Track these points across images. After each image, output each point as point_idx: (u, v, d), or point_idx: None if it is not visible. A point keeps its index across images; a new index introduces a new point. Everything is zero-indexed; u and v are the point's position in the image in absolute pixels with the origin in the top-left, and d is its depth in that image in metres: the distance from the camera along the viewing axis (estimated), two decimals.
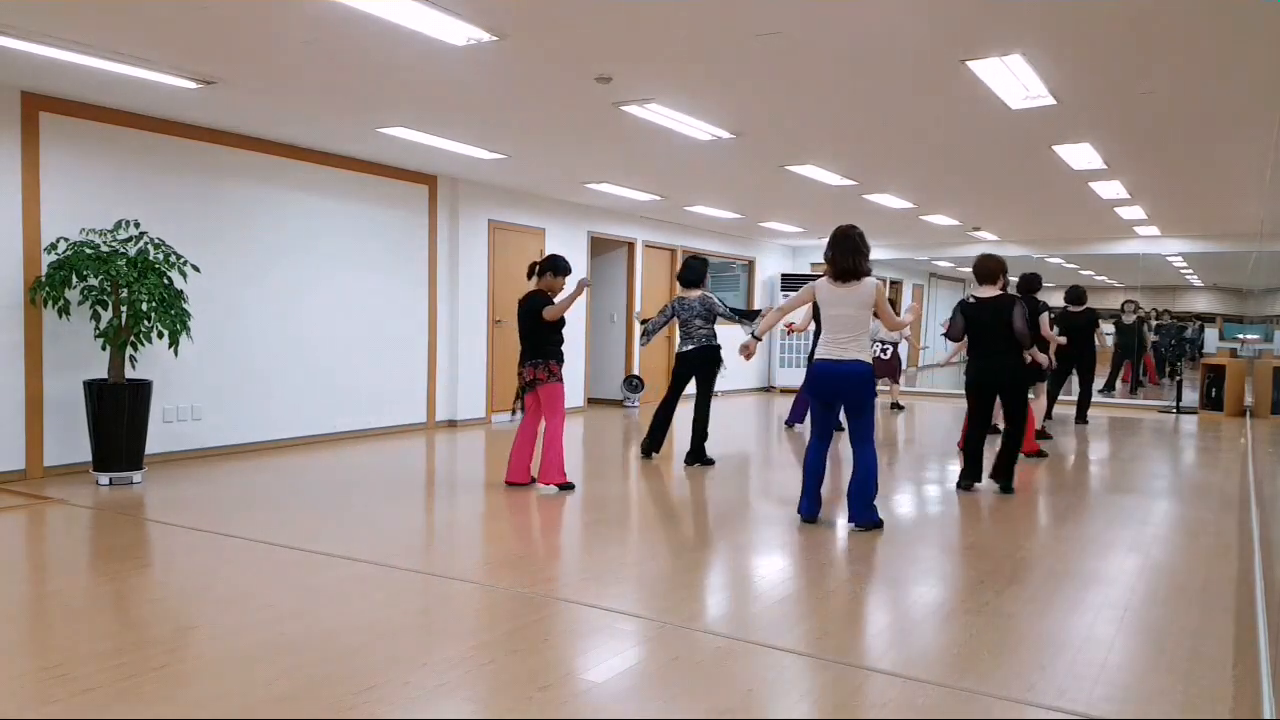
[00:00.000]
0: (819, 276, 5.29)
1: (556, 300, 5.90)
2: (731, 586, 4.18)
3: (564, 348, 6.01)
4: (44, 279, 5.68)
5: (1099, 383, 11.69)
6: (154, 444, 6.42)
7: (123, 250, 5.94)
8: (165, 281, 5.94)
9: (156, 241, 6.10)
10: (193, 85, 5.58)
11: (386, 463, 7.28)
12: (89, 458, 5.99)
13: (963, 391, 6.53)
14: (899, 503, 5.93)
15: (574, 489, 6.02)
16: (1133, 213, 10.71)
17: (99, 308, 5.83)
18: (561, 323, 5.91)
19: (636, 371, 12.10)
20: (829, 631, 3.49)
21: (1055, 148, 7.02)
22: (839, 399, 5.14)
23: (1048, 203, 10.01)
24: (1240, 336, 16.43)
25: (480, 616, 3.64)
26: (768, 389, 14.74)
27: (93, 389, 5.82)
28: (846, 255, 5.02)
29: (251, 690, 2.81)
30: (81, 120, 6.21)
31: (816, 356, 5.19)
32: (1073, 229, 12.75)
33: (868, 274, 5.05)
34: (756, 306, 13.74)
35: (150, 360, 6.30)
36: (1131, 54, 4.74)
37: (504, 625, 3.49)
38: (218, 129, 7.01)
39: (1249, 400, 12.10)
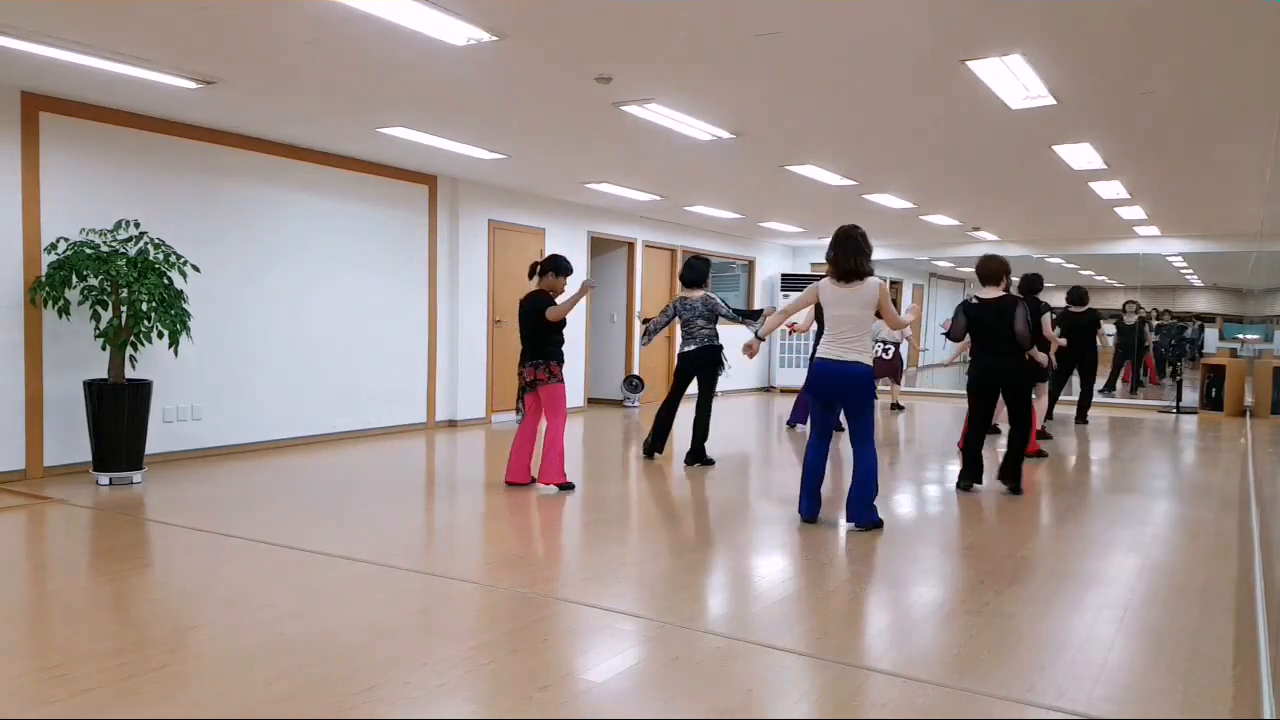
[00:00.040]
0: (819, 277, 5.29)
1: (559, 301, 5.89)
2: (731, 586, 4.18)
3: (564, 348, 6.01)
4: (44, 279, 5.68)
5: (1099, 383, 11.69)
6: (154, 444, 6.42)
7: (123, 250, 5.94)
8: (165, 281, 5.94)
9: (156, 241, 6.10)
10: (193, 85, 5.58)
11: (386, 463, 7.28)
12: (89, 458, 5.99)
13: (962, 391, 6.53)
14: (899, 503, 5.93)
15: (574, 489, 6.02)
16: (1133, 213, 10.71)
17: (99, 308, 5.83)
18: (563, 323, 5.91)
19: (636, 371, 12.10)
20: (829, 631, 3.49)
21: (1055, 148, 7.02)
22: (838, 400, 5.14)
23: (1048, 203, 10.01)
24: (1240, 336, 16.43)
25: (480, 616, 3.64)
26: (768, 389, 14.74)
27: (93, 389, 5.82)
28: (848, 255, 5.01)
29: (251, 690, 2.81)
30: (81, 120, 6.21)
31: (817, 356, 5.19)
32: (1073, 229, 12.75)
33: (870, 274, 5.05)
34: (757, 306, 13.74)
35: (150, 360, 6.30)
36: (1131, 54, 4.74)
37: (504, 625, 3.49)
38: (218, 129, 7.01)
39: (1249, 400, 12.10)
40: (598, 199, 10.47)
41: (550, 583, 4.07)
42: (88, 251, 5.77)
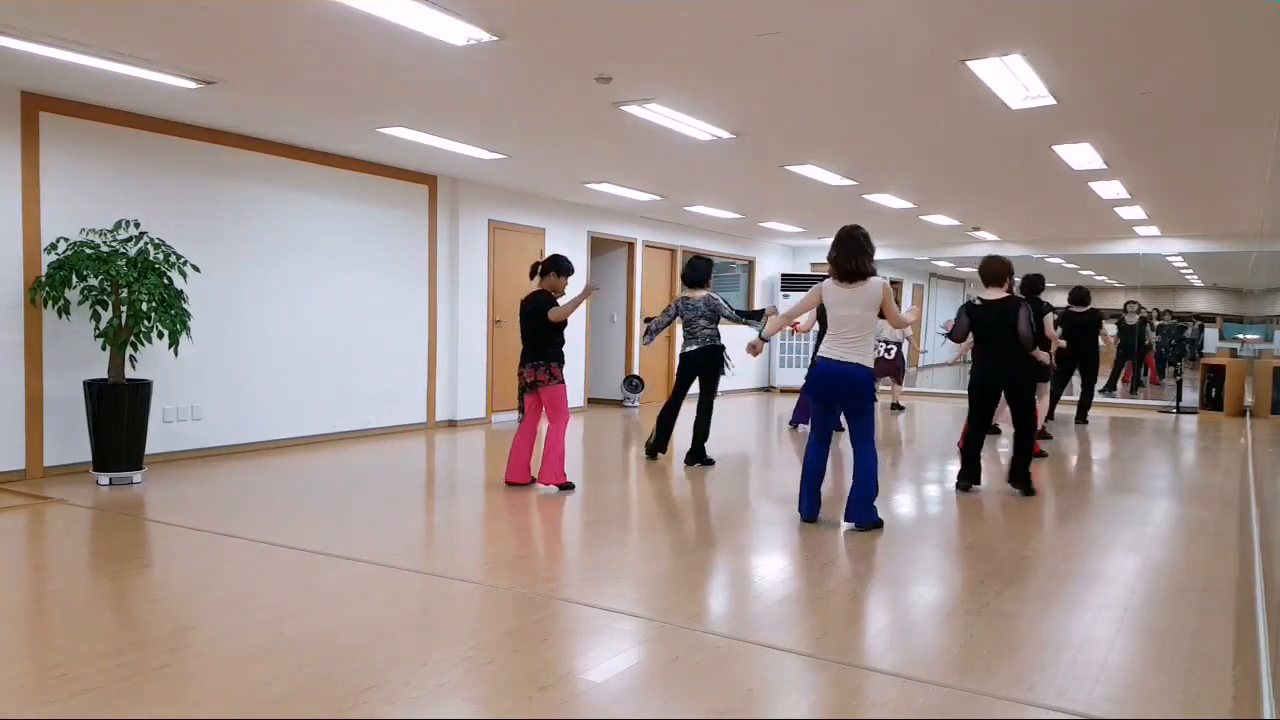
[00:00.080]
0: (820, 276, 5.30)
1: (562, 302, 5.89)
2: (731, 586, 4.18)
3: (565, 349, 6.01)
4: (44, 279, 5.68)
5: (1100, 383, 11.69)
6: (154, 444, 6.42)
7: (123, 250, 5.94)
8: (165, 281, 5.94)
9: (156, 241, 6.10)
10: (193, 85, 5.58)
11: (386, 463, 7.28)
12: (89, 458, 5.99)
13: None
14: (899, 503, 5.93)
15: (574, 489, 6.02)
16: (1133, 213, 10.71)
17: (99, 308, 5.83)
18: (564, 324, 5.90)
19: (636, 371, 12.10)
20: (829, 631, 3.49)
21: (1055, 148, 7.02)
22: (838, 400, 5.14)
23: (1048, 203, 10.01)
24: (1240, 336, 16.43)
25: (480, 616, 3.64)
26: (768, 389, 14.74)
27: (93, 389, 5.82)
28: (850, 256, 5.01)
29: (251, 690, 2.81)
30: (81, 120, 6.21)
31: (818, 356, 5.18)
32: (1073, 229, 12.75)
33: (873, 274, 5.04)
34: (758, 306, 13.74)
35: (150, 360, 6.30)
36: (1131, 54, 4.74)
37: (504, 625, 3.49)
38: (218, 129, 7.01)
39: (1249, 400, 12.10)
40: (598, 199, 10.47)
41: (550, 583, 4.07)
42: (88, 251, 5.77)
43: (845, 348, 4.99)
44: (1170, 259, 15.61)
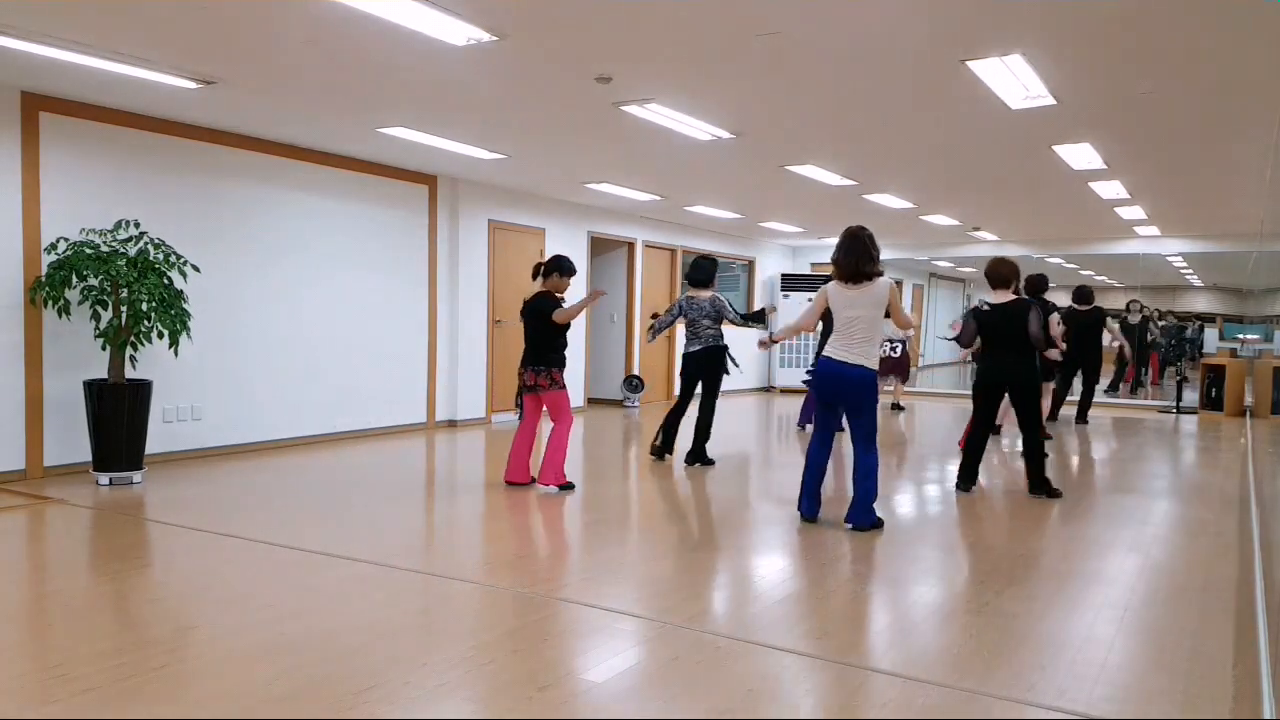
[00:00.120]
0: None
1: (566, 304, 5.88)
2: (731, 586, 4.18)
3: (567, 351, 5.99)
4: (44, 279, 5.68)
5: (1104, 383, 11.69)
6: (154, 444, 6.42)
7: (123, 250, 5.94)
8: (165, 281, 5.94)
9: (156, 241, 6.10)
10: (193, 85, 5.58)
11: (386, 463, 7.28)
12: (89, 458, 5.99)
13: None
14: (899, 503, 5.93)
15: (574, 489, 6.02)
16: (1133, 213, 10.71)
17: (99, 308, 5.83)
18: (567, 326, 5.89)
19: (636, 371, 12.10)
20: (829, 631, 3.48)
21: (1055, 148, 7.02)
22: (840, 400, 5.14)
23: (1048, 203, 10.01)
24: (1240, 336, 16.43)
25: (480, 616, 3.64)
26: (768, 389, 14.74)
27: (93, 389, 5.82)
28: (853, 258, 5.00)
29: (251, 690, 2.81)
30: (81, 120, 6.21)
31: (822, 355, 5.18)
32: (1073, 229, 12.75)
33: (880, 274, 5.04)
34: (757, 306, 13.74)
35: (150, 360, 6.30)
36: (1131, 54, 4.74)
37: (504, 625, 3.49)
38: (218, 129, 7.01)
39: (1249, 400, 12.10)
40: (598, 199, 10.47)
41: (550, 583, 4.07)
42: (88, 251, 5.77)
43: (851, 349, 4.98)
44: (1170, 259, 15.61)
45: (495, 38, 4.56)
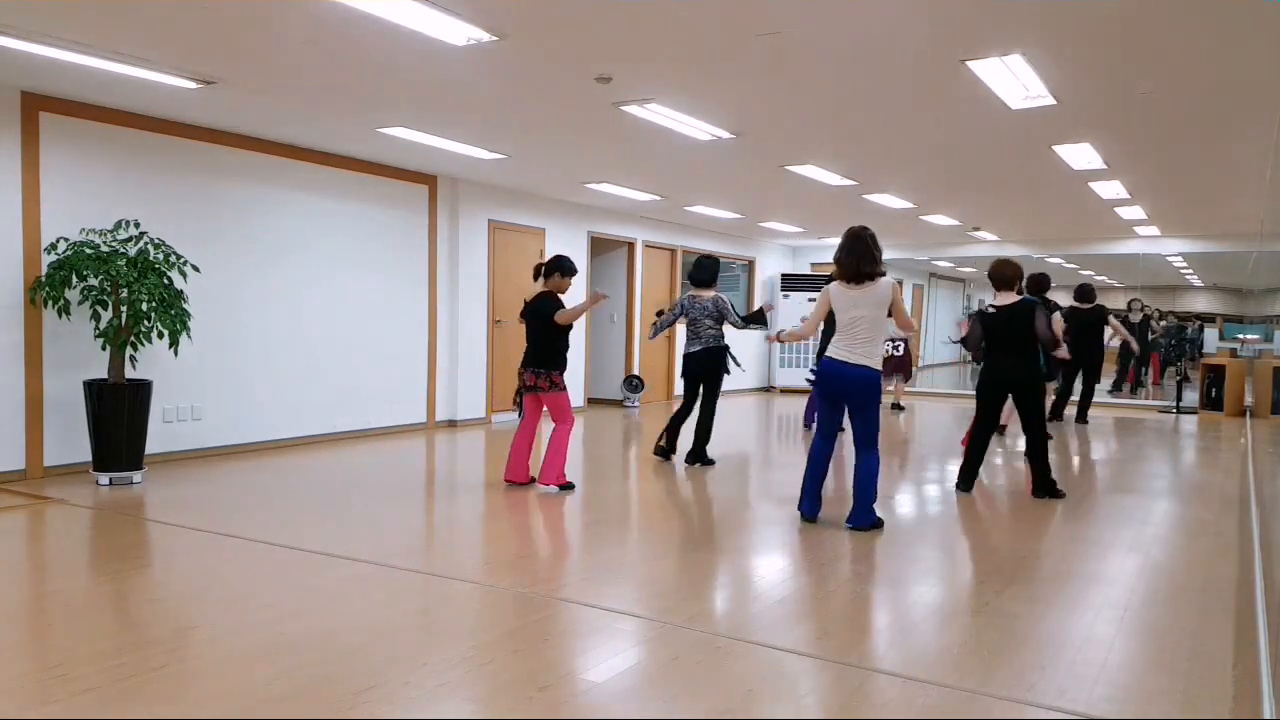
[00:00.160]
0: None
1: (568, 305, 5.88)
2: (732, 586, 4.18)
3: (568, 353, 5.98)
4: (44, 279, 5.68)
5: (1106, 383, 11.69)
6: (154, 444, 6.42)
7: (123, 250, 5.94)
8: (165, 281, 5.94)
9: (156, 241, 6.10)
10: (193, 85, 5.58)
11: (386, 463, 7.28)
12: (89, 458, 5.99)
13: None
14: (899, 503, 5.93)
15: (574, 489, 6.02)
16: (1133, 213, 10.71)
17: (99, 308, 5.83)
18: (569, 327, 5.89)
19: (636, 371, 12.10)
20: (829, 631, 3.48)
21: (1055, 148, 7.02)
22: (843, 400, 5.14)
23: (1048, 203, 10.01)
24: (1240, 336, 16.43)
25: (480, 616, 3.64)
26: (768, 389, 14.74)
27: (93, 389, 5.82)
28: (855, 258, 4.99)
29: (251, 690, 2.81)
30: (81, 120, 6.21)
31: (826, 355, 5.17)
32: (1073, 229, 12.75)
33: (882, 274, 5.04)
34: (756, 306, 13.74)
35: (150, 360, 6.30)
36: (1131, 54, 4.74)
37: (504, 625, 3.49)
38: (218, 129, 7.01)
39: (1249, 400, 12.10)
40: (598, 199, 10.47)
41: (550, 583, 4.07)
42: (88, 251, 5.77)
43: (855, 349, 4.98)
44: (1170, 259, 15.61)
45: (495, 38, 4.56)
